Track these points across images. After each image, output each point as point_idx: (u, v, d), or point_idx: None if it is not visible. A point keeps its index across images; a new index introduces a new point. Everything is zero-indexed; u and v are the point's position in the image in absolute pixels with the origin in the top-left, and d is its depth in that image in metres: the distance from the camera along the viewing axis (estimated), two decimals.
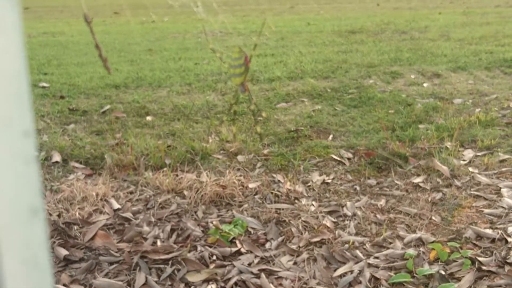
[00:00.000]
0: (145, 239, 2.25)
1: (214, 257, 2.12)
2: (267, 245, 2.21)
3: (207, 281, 1.97)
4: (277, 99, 4.31)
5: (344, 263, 2.07)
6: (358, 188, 2.70)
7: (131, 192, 2.70)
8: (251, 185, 2.71)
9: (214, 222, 2.33)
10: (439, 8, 12.84)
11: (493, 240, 2.16)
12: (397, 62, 5.70)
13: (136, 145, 3.15)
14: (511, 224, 2.27)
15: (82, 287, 1.95)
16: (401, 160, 2.95)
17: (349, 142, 3.25)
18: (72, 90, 4.71)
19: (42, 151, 3.17)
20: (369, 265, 2.04)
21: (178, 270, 2.03)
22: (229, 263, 2.08)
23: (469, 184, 2.69)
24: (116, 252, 2.16)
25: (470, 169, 2.84)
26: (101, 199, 2.58)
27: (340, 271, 2.02)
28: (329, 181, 2.79)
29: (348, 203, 2.52)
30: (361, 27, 9.21)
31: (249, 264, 2.08)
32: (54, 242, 2.22)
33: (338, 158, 3.04)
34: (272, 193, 2.63)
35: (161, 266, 2.06)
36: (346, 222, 2.37)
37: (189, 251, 2.14)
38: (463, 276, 1.94)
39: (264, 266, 2.06)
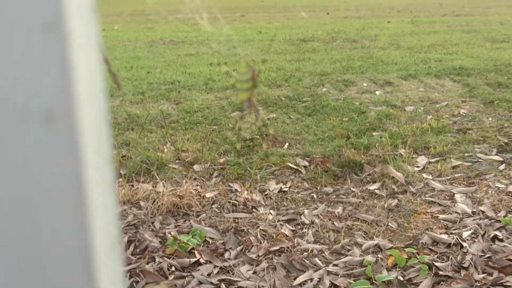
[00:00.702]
0: None
1: (173, 268, 2.09)
2: (226, 255, 2.20)
3: None
4: (232, 108, 4.31)
5: (304, 271, 2.07)
6: (315, 196, 2.72)
7: None
8: (208, 195, 2.70)
9: (172, 233, 2.31)
10: (387, 17, 13.06)
11: (448, 245, 2.20)
12: (349, 70, 5.77)
13: None
14: (465, 229, 2.31)
15: None
16: (357, 168, 2.98)
17: (305, 150, 3.27)
18: None
19: None
20: (329, 272, 2.05)
21: (137, 282, 2.00)
22: (188, 274, 2.06)
23: (424, 190, 2.73)
24: None
25: (424, 175, 2.88)
26: None
27: (300, 279, 2.02)
28: (286, 189, 2.79)
29: (306, 211, 2.53)
30: (312, 36, 9.30)
31: (209, 275, 2.06)
32: None
33: (295, 166, 3.05)
34: (229, 202, 2.62)
35: None
36: (305, 230, 2.38)
37: (147, 263, 2.11)
38: (421, 282, 1.96)
39: (223, 276, 2.05)
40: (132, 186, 2.77)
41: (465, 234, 2.26)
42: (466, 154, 3.14)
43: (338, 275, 2.03)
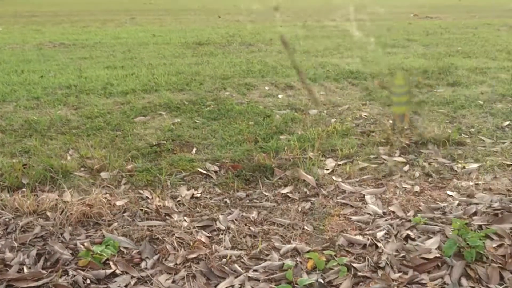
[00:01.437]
0: (9, 266, 2.08)
1: (88, 281, 2.00)
2: (143, 265, 2.13)
3: None
4: (134, 113, 4.21)
5: (224, 278, 2.04)
6: (228, 201, 2.69)
7: None
8: (118, 203, 2.61)
9: (85, 244, 2.20)
10: (278, 21, 13.26)
11: (364, 246, 2.24)
12: (250, 74, 5.80)
13: None
14: (378, 229, 2.36)
15: None
16: (268, 172, 2.99)
17: (214, 155, 3.23)
18: None
19: None
20: (250, 278, 2.03)
21: None
22: (105, 286, 1.98)
23: (335, 192, 2.77)
24: None
25: (334, 177, 2.93)
26: None
27: (221, 286, 1.99)
28: (198, 195, 2.75)
29: (221, 217, 2.50)
30: (208, 39, 9.29)
31: (126, 286, 1.99)
32: None
33: (205, 172, 3.01)
34: (141, 210, 2.54)
35: None
36: (221, 236, 2.35)
37: (60, 276, 2.01)
38: (341, 283, 1.98)
39: (141, 287, 1.98)
40: (37, 196, 2.63)
41: (379, 234, 2.31)
42: (372, 156, 3.22)
43: (259, 280, 2.02)
